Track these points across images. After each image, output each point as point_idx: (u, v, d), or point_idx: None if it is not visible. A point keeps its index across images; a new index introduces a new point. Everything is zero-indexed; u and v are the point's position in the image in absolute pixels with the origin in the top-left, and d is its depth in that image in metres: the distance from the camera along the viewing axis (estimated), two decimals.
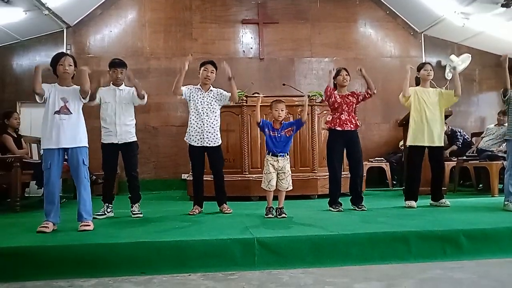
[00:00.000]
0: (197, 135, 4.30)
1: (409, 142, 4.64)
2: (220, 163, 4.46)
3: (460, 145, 7.01)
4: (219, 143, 4.41)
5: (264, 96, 4.75)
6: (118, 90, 4.18)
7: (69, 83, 3.49)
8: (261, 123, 4.06)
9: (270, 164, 3.97)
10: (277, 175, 3.96)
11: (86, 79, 3.43)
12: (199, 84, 4.40)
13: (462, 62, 7.90)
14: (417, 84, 4.75)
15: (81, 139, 3.43)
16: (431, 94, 4.64)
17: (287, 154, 4.02)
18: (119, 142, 4.12)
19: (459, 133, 7.14)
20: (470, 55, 7.88)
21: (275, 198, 4.01)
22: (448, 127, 7.21)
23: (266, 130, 4.02)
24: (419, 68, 4.75)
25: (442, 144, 4.69)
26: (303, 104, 4.68)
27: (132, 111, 4.25)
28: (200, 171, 4.41)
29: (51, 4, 6.61)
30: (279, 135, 3.98)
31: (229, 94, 4.36)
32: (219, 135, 4.40)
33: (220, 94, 4.40)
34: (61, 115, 3.36)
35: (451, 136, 7.10)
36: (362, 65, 4.68)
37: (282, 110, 4.00)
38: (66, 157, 3.44)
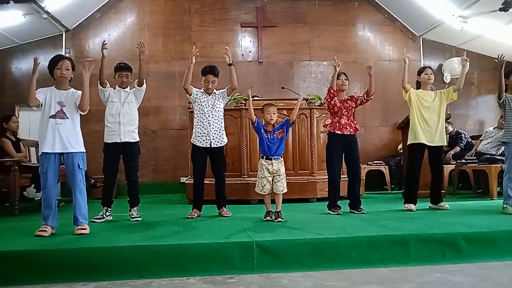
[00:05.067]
0: (203, 135, 4.30)
1: (409, 141, 4.63)
2: (223, 165, 4.44)
3: (463, 147, 6.99)
4: (225, 143, 4.40)
5: (262, 99, 4.74)
6: (124, 92, 4.25)
7: (66, 87, 3.43)
8: (256, 123, 4.03)
9: (265, 168, 3.95)
10: (272, 178, 3.95)
11: (86, 100, 3.34)
12: (202, 89, 4.42)
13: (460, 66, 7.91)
14: (418, 88, 4.75)
15: (78, 144, 3.38)
16: (431, 97, 4.64)
17: (281, 157, 4.01)
18: (122, 141, 4.13)
19: (463, 135, 7.11)
20: (468, 60, 7.85)
21: (273, 201, 4.00)
22: (454, 128, 7.21)
23: (262, 130, 4.01)
24: (419, 72, 4.75)
25: (442, 143, 4.65)
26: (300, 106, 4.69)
27: (136, 113, 4.28)
28: (202, 174, 4.37)
29: (50, 8, 6.62)
30: (271, 137, 3.97)
31: (225, 89, 4.40)
32: (224, 135, 4.40)
33: (221, 93, 4.43)
34: (57, 119, 3.31)
35: (455, 137, 7.08)
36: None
37: (274, 114, 4.00)
38: (62, 161, 3.41)
